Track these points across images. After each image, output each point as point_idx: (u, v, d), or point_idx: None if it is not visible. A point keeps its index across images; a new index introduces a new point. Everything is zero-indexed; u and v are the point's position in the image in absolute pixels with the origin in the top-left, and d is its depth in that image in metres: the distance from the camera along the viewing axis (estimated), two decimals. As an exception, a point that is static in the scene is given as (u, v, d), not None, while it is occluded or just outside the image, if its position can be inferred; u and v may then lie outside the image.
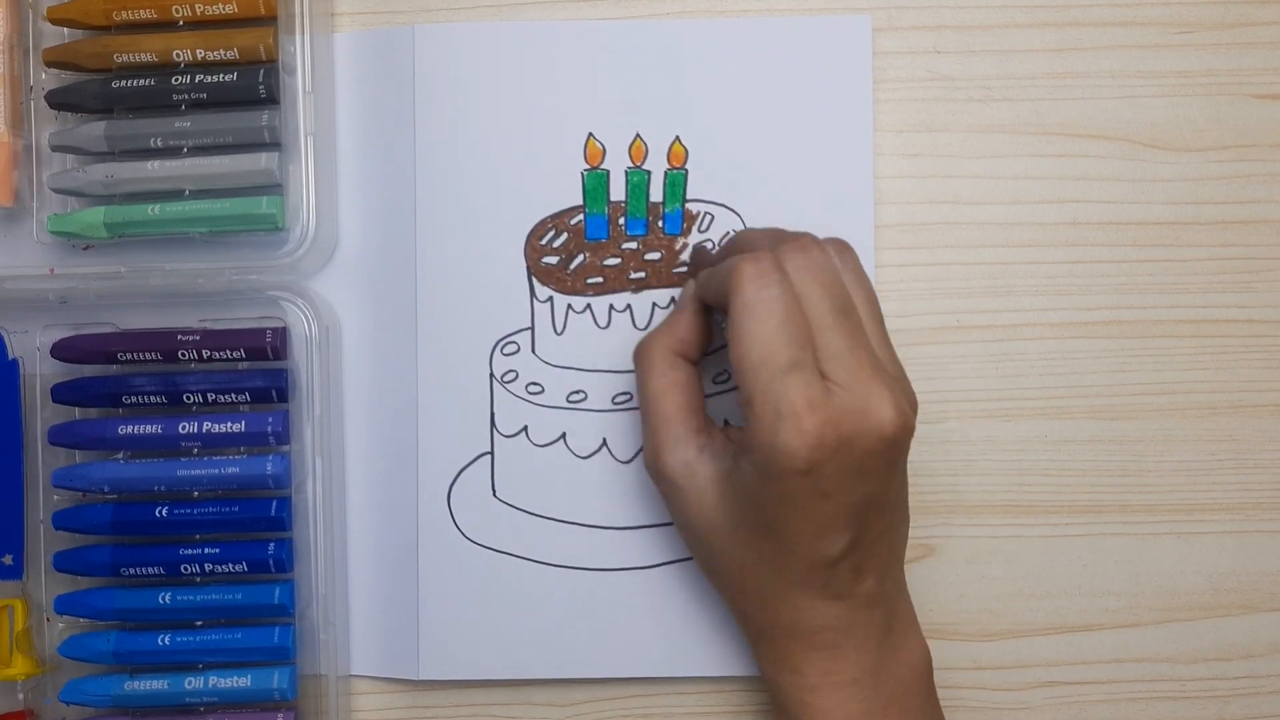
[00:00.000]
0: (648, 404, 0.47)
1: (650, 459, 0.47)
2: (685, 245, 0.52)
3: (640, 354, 0.48)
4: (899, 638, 0.47)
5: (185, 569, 0.51)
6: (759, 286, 0.43)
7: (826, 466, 0.43)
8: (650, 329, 0.50)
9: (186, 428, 0.51)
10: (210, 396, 0.51)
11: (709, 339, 0.48)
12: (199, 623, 0.51)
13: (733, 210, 0.52)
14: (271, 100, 0.51)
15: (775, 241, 0.46)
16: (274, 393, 0.51)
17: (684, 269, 0.52)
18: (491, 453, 0.52)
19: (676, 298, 0.52)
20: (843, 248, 0.46)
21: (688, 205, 0.52)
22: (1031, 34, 0.53)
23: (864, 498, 0.44)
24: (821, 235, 0.52)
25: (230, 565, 0.51)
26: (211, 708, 0.51)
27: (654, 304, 0.52)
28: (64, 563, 0.51)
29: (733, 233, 0.51)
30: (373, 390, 0.53)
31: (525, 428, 0.52)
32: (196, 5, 0.50)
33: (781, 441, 0.42)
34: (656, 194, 0.52)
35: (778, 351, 0.43)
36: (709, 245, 0.52)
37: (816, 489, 0.43)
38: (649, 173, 0.52)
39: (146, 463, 0.51)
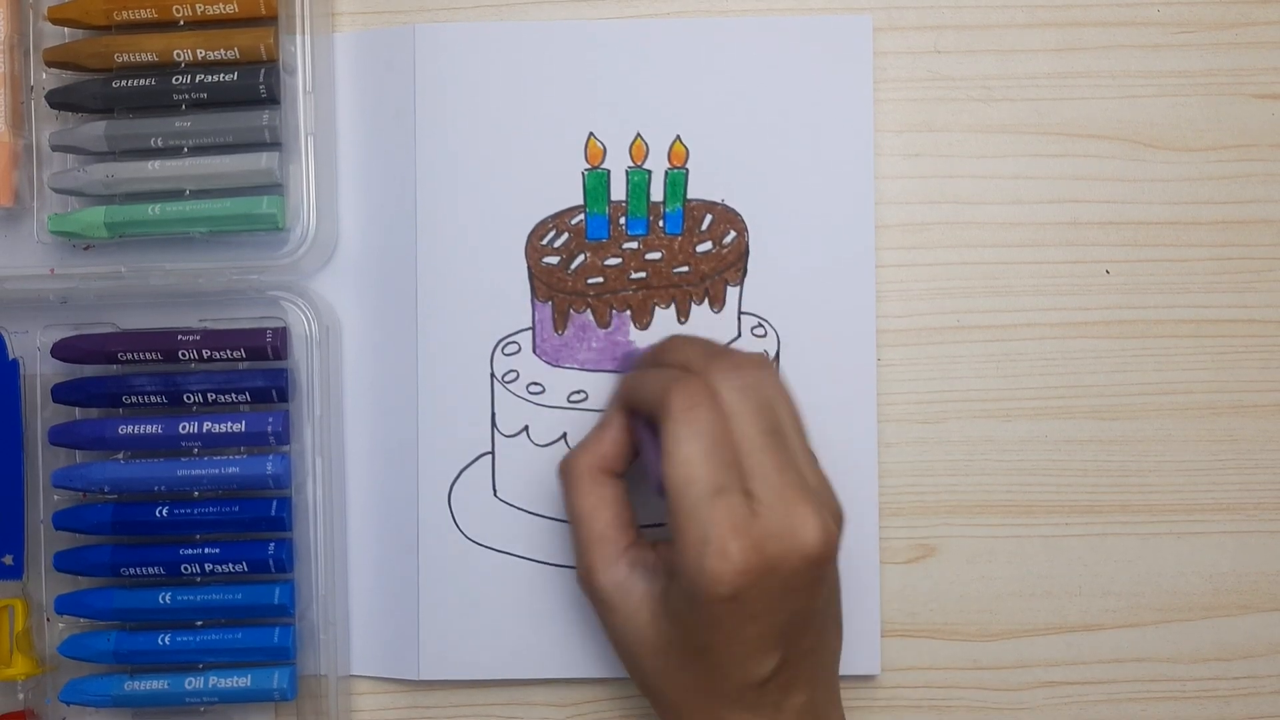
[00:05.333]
0: (576, 523, 0.47)
1: (583, 578, 0.47)
2: (685, 245, 0.52)
3: (565, 472, 0.48)
4: None
5: (185, 569, 0.51)
6: (688, 409, 0.43)
7: (752, 591, 0.43)
8: (579, 446, 0.48)
9: (187, 428, 0.51)
10: (210, 396, 0.51)
11: (634, 450, 0.48)
12: (199, 623, 0.51)
13: (734, 210, 0.52)
14: (272, 100, 0.51)
15: (708, 357, 0.46)
16: (274, 393, 0.51)
17: (684, 269, 0.52)
18: (492, 452, 0.52)
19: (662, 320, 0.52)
20: (764, 363, 0.46)
21: (689, 204, 0.52)
22: (1032, 34, 0.53)
23: (791, 617, 0.44)
24: (821, 234, 0.52)
25: (230, 565, 0.51)
26: (211, 707, 0.51)
27: (655, 304, 0.52)
28: (64, 563, 0.51)
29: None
30: (373, 390, 0.53)
31: (526, 427, 0.52)
32: (197, 5, 0.50)
33: (708, 567, 0.42)
34: (657, 194, 0.52)
35: (704, 476, 0.43)
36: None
37: (743, 613, 0.43)
38: (650, 172, 0.52)
39: (147, 463, 0.51)
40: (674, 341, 0.48)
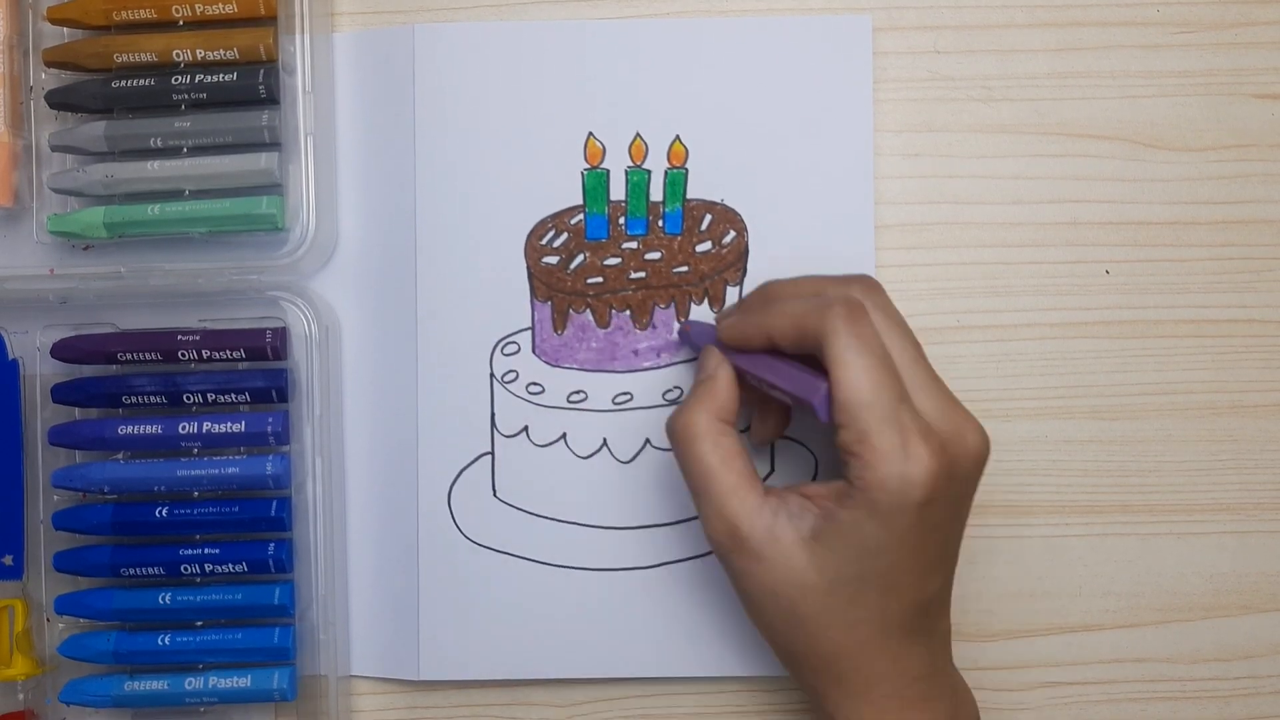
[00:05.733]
0: (706, 478, 0.45)
1: (723, 535, 0.45)
2: (683, 245, 0.52)
3: (683, 430, 0.46)
4: (959, 680, 0.48)
5: (185, 569, 0.51)
6: (856, 325, 0.44)
7: (940, 497, 0.43)
8: (683, 399, 0.48)
9: (186, 428, 0.51)
10: (210, 396, 0.51)
11: (742, 402, 0.47)
12: (199, 623, 0.51)
13: (733, 210, 0.52)
14: (271, 100, 0.51)
15: (836, 282, 0.46)
16: (274, 393, 0.51)
17: (684, 269, 0.52)
18: (492, 453, 0.52)
19: (694, 343, 0.52)
20: (875, 286, 0.47)
21: (688, 204, 0.52)
22: (1031, 34, 0.53)
23: (958, 529, 0.46)
24: (821, 234, 0.52)
25: (230, 565, 0.51)
26: (211, 708, 0.51)
27: (654, 304, 0.52)
28: (64, 563, 0.51)
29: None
30: (373, 390, 0.53)
31: (526, 428, 0.52)
32: (196, 5, 0.50)
33: (910, 473, 0.43)
34: (657, 193, 0.52)
35: (888, 385, 0.43)
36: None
37: (928, 522, 0.43)
38: (649, 172, 0.52)
39: (146, 463, 0.51)
40: (779, 283, 0.48)
